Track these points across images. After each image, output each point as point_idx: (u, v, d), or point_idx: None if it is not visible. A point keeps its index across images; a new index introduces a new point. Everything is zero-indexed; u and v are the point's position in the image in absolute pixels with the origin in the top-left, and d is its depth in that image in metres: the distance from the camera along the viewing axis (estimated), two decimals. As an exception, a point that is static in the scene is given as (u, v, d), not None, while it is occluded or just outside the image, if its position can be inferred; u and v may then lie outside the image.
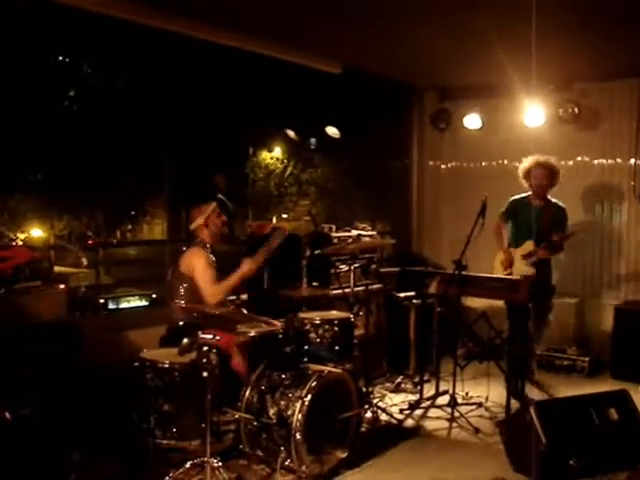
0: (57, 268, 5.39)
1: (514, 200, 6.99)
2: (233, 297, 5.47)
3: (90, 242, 6.17)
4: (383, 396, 6.60)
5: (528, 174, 6.85)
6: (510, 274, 6.62)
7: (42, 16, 5.47)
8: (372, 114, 8.50)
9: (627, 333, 7.29)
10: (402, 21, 6.01)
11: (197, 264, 5.16)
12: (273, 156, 9.41)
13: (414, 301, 7.48)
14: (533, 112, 7.84)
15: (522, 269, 6.57)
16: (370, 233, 7.50)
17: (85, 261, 5.52)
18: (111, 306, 5.71)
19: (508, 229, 7.05)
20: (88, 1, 5.41)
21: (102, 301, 5.65)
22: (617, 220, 7.95)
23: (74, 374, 4.68)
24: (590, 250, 8.13)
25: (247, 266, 5.27)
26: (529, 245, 6.68)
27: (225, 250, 6.32)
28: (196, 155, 7.48)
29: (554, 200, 6.84)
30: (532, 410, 4.75)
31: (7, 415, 4.14)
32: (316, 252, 6.17)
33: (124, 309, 5.82)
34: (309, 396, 4.60)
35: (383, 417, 6.00)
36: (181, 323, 5.02)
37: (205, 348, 4.15)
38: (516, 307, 6.36)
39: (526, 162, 6.89)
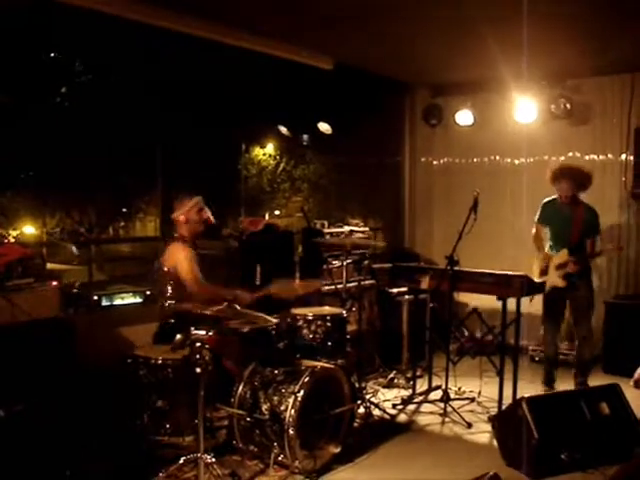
0: (49, 265, 5.38)
1: (545, 204, 6.78)
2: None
3: (82, 238, 6.17)
4: (376, 391, 6.61)
5: (554, 182, 6.60)
6: (544, 283, 6.52)
7: (31, 12, 5.45)
8: (364, 110, 8.50)
9: (618, 328, 7.32)
10: (393, 17, 6.00)
11: (179, 260, 5.13)
12: (265, 152, 9.42)
13: (406, 297, 7.50)
14: (525, 108, 7.87)
15: (555, 280, 6.47)
16: (362, 229, 7.51)
17: (76, 250, 5.51)
18: (105, 303, 5.69)
19: (546, 233, 6.87)
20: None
21: (95, 298, 5.62)
22: (608, 215, 7.97)
23: (67, 371, 4.67)
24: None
25: (244, 295, 5.22)
26: (564, 255, 6.50)
27: (215, 246, 6.33)
28: (189, 152, 7.48)
29: (587, 203, 6.63)
30: (524, 405, 4.78)
31: (1, 412, 4.14)
32: (314, 240, 6.18)
33: (118, 306, 5.80)
34: (302, 392, 4.61)
35: (376, 412, 6.02)
36: (171, 321, 5.02)
37: (198, 344, 4.15)
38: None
39: (552, 167, 6.65)
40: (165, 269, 5.18)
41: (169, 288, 5.14)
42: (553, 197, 6.72)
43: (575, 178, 6.49)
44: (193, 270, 5.12)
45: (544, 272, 6.59)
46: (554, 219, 6.69)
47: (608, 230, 7.80)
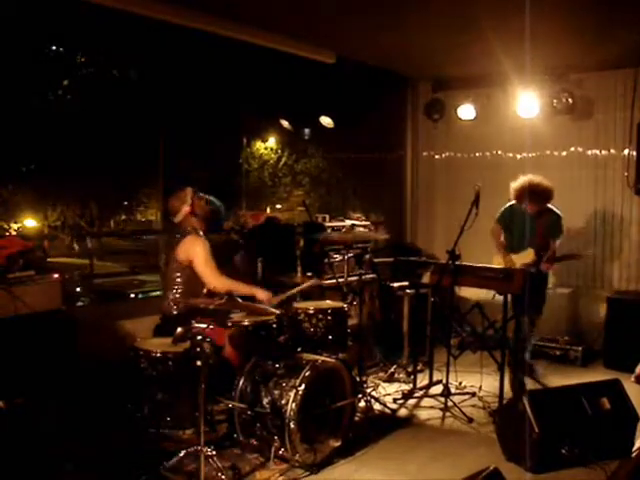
0: (50, 259, 5.38)
1: (510, 206, 6.86)
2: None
3: (83, 231, 6.18)
4: (377, 385, 6.61)
5: (518, 201, 6.74)
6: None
7: (33, 4, 5.45)
8: (366, 104, 8.49)
9: (620, 323, 7.31)
10: (395, 11, 5.99)
11: (198, 252, 5.05)
12: (267, 146, 9.42)
13: (408, 291, 7.49)
14: (527, 103, 7.85)
15: None
16: (364, 223, 7.50)
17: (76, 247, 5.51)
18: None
19: (504, 236, 6.94)
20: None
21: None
22: (610, 211, 7.97)
23: (69, 363, 4.68)
24: (583, 240, 8.15)
25: (263, 294, 5.15)
26: (530, 254, 6.59)
27: (216, 239, 6.31)
28: (190, 146, 7.48)
29: (550, 207, 6.72)
30: (525, 399, 4.77)
31: (1, 404, 4.15)
32: (314, 236, 6.16)
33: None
34: (303, 385, 4.61)
35: (377, 406, 6.01)
36: (175, 312, 5.02)
37: (199, 337, 4.15)
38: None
39: (516, 185, 6.72)
40: (179, 261, 5.12)
41: (179, 280, 5.11)
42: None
43: (538, 196, 6.60)
44: (210, 264, 5.06)
45: None
46: (517, 219, 6.77)
47: (609, 224, 7.85)
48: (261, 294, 5.15)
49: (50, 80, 6.56)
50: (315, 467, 4.71)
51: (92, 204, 7.12)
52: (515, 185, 6.73)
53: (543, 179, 6.63)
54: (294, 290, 5.49)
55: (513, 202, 6.84)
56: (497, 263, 6.72)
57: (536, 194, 6.58)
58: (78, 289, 5.60)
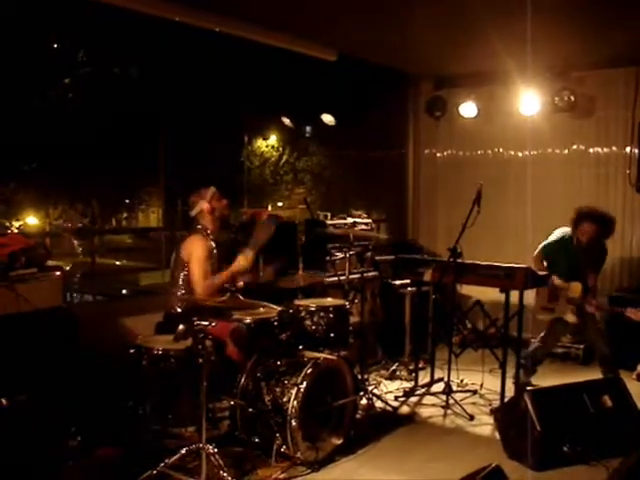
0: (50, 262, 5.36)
1: (560, 239, 6.46)
2: (228, 284, 5.43)
3: (85, 229, 6.18)
4: (378, 383, 6.61)
5: (576, 226, 6.31)
6: (552, 309, 6.37)
7: (35, 2, 5.44)
8: (367, 102, 8.49)
9: (620, 321, 7.29)
10: (397, 8, 5.99)
11: (195, 252, 5.09)
12: (269, 144, 9.42)
13: (409, 289, 7.49)
14: (529, 100, 7.85)
15: (566, 314, 6.30)
16: (365, 221, 7.50)
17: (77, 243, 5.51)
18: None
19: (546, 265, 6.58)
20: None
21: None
22: (612, 208, 7.95)
23: (71, 360, 4.68)
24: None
25: (240, 262, 5.21)
26: (577, 288, 6.27)
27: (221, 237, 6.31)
28: (191, 143, 7.47)
29: (604, 244, 6.42)
30: (527, 397, 4.78)
31: (3, 401, 4.15)
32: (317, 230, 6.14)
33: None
34: (304, 383, 4.62)
35: (378, 404, 6.02)
36: (178, 310, 5.03)
37: (201, 335, 4.15)
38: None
39: (577, 210, 6.32)
40: (182, 259, 5.14)
41: (182, 277, 5.12)
42: (568, 234, 6.44)
43: (600, 222, 6.23)
44: (202, 267, 5.07)
45: (554, 299, 6.37)
46: (564, 250, 6.43)
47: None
48: (239, 262, 5.20)
49: (51, 78, 6.56)
50: (317, 465, 4.71)
51: (94, 202, 7.13)
52: (579, 207, 6.39)
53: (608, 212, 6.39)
54: (257, 238, 5.44)
55: (564, 236, 6.47)
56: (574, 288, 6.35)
57: (600, 217, 6.24)
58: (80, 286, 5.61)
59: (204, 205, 5.24)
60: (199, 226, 5.26)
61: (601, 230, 6.23)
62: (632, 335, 7.08)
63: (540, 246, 6.62)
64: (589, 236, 6.25)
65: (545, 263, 6.56)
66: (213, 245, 5.23)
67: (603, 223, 6.23)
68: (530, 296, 6.21)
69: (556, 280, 6.36)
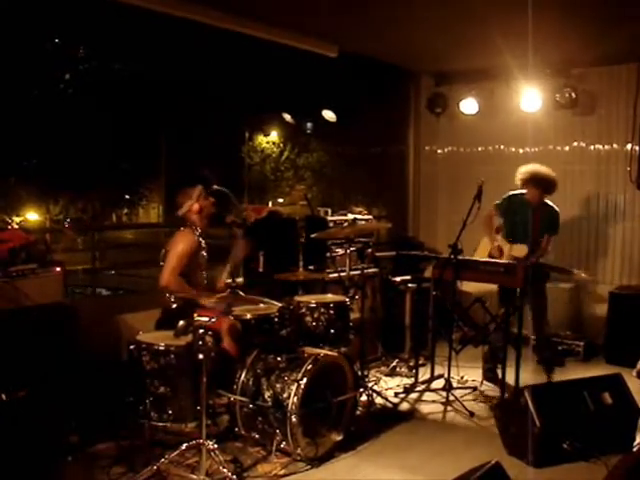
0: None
1: (512, 196, 6.75)
2: (229, 280, 5.41)
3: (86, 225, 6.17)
4: (378, 379, 6.62)
5: (522, 187, 6.65)
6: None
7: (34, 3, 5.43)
8: (368, 98, 8.49)
9: (621, 318, 7.31)
10: (398, 4, 5.98)
11: (176, 246, 5.04)
12: (269, 140, 9.41)
13: (410, 285, 7.49)
14: (530, 97, 7.84)
15: None
16: (366, 217, 7.49)
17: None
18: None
19: (501, 222, 6.88)
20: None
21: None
22: (613, 205, 7.96)
23: (70, 356, 4.69)
24: (585, 235, 8.16)
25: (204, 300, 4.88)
26: (522, 250, 6.54)
27: (219, 234, 6.30)
28: (192, 140, 7.47)
29: (549, 202, 6.66)
30: (527, 394, 4.77)
31: (3, 396, 4.15)
32: (312, 236, 6.13)
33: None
34: (305, 379, 4.62)
35: (378, 400, 6.01)
36: (174, 306, 5.00)
37: (201, 330, 4.16)
38: (510, 291, 6.32)
39: (521, 174, 6.63)
40: (167, 249, 5.10)
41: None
42: (521, 191, 6.68)
43: (542, 185, 6.54)
44: (177, 261, 4.99)
45: (498, 257, 6.64)
46: (519, 211, 6.68)
47: (612, 219, 7.83)
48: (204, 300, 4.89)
49: (52, 75, 6.56)
50: (316, 461, 4.71)
51: (94, 198, 7.12)
52: (522, 169, 6.66)
53: (551, 171, 6.61)
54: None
55: (515, 192, 6.76)
56: (484, 249, 6.72)
57: (541, 181, 6.53)
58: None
59: (192, 204, 5.22)
60: (188, 223, 5.22)
61: (544, 193, 6.59)
62: (632, 333, 7.10)
63: (494, 204, 6.81)
64: (535, 200, 6.59)
65: (503, 224, 6.85)
66: (202, 242, 5.20)
67: (545, 187, 6.56)
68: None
69: (499, 239, 6.73)
